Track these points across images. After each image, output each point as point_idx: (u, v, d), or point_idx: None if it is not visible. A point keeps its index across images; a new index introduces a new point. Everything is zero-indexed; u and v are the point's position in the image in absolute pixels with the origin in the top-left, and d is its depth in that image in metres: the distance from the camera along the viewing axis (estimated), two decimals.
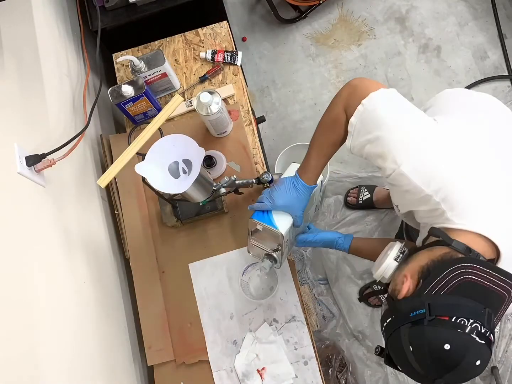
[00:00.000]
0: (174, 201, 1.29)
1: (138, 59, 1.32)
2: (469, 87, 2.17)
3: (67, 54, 1.44)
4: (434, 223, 0.87)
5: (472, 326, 0.74)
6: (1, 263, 0.82)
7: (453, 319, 0.75)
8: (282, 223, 1.09)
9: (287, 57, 2.31)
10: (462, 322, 0.74)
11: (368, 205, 2.02)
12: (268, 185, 1.33)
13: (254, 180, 1.26)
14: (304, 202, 1.10)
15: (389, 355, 0.84)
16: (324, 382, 1.22)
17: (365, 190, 2.03)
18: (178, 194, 1.18)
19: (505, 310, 0.79)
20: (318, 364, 1.23)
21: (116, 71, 1.53)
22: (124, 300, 1.34)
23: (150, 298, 1.32)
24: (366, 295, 1.93)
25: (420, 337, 0.76)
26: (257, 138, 1.43)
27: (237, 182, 1.21)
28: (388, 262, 0.90)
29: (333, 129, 0.99)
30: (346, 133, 0.97)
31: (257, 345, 1.25)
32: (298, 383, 1.22)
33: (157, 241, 1.36)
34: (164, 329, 1.30)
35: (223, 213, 1.35)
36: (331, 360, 1.80)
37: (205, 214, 1.33)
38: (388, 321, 0.83)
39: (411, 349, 0.77)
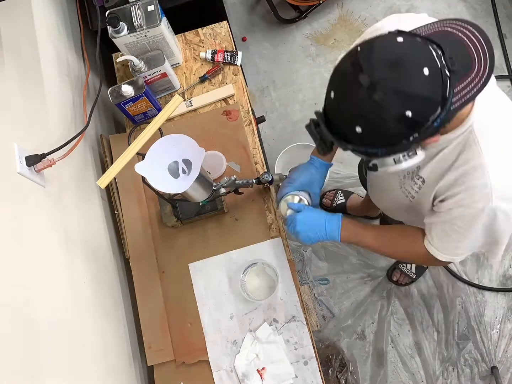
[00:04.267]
0: (174, 201, 1.29)
1: (138, 59, 1.32)
2: None
3: (67, 54, 1.44)
4: None
5: (434, 47, 0.71)
6: (1, 263, 0.82)
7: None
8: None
9: (287, 57, 2.31)
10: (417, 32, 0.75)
11: (341, 210, 2.01)
12: (268, 185, 1.33)
13: (254, 180, 1.27)
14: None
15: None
16: (324, 382, 1.22)
17: (341, 194, 2.04)
18: (178, 194, 1.18)
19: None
20: (318, 364, 1.23)
21: (116, 71, 1.53)
22: (124, 300, 1.34)
23: (150, 298, 1.32)
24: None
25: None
26: (257, 138, 1.43)
27: (237, 182, 1.21)
28: None
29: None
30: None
31: (257, 345, 1.25)
32: (298, 383, 1.22)
33: (157, 241, 1.36)
34: (164, 329, 1.29)
35: (223, 213, 1.35)
36: (331, 360, 1.80)
37: (205, 214, 1.33)
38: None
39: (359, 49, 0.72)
